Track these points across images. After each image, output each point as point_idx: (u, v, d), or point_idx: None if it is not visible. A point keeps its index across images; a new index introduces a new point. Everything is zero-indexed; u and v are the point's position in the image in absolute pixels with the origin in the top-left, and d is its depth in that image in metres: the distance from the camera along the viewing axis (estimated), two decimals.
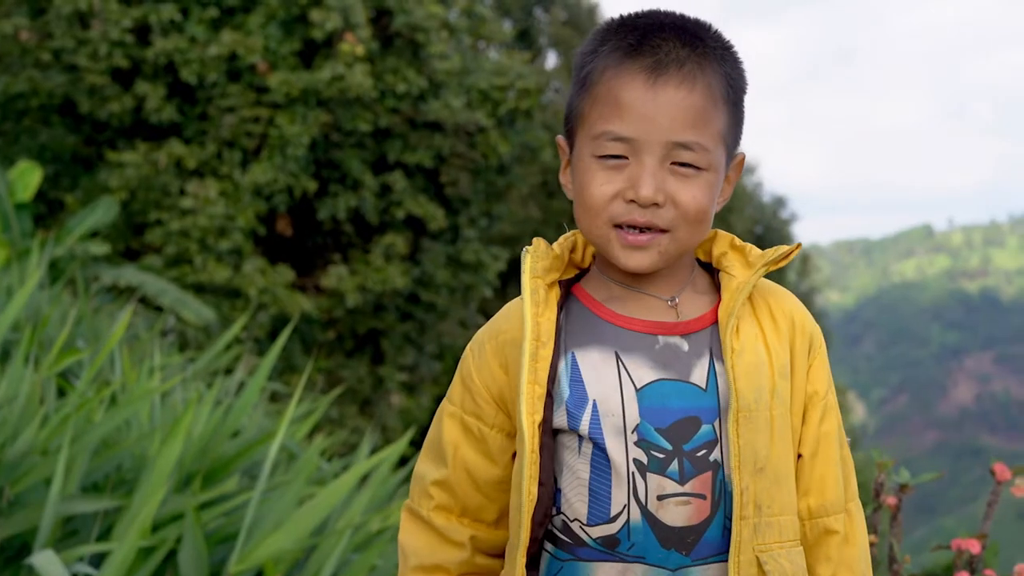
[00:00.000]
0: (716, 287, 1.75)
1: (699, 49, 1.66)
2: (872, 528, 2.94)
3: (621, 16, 1.72)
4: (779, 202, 32.86)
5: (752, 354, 1.67)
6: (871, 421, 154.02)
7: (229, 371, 8.16)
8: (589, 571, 1.67)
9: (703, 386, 1.67)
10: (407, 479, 4.52)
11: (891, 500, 2.95)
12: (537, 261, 1.70)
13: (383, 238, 15.82)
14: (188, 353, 8.10)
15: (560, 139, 1.76)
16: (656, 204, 1.63)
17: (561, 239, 1.76)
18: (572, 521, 1.68)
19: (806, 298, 34.78)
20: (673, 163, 1.64)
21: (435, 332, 17.39)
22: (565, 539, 1.69)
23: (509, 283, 18.91)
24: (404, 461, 6.34)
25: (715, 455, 1.65)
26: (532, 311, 1.66)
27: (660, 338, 1.69)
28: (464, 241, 16.80)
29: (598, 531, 1.66)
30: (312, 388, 13.31)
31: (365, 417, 15.94)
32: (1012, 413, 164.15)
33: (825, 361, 1.80)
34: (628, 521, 1.64)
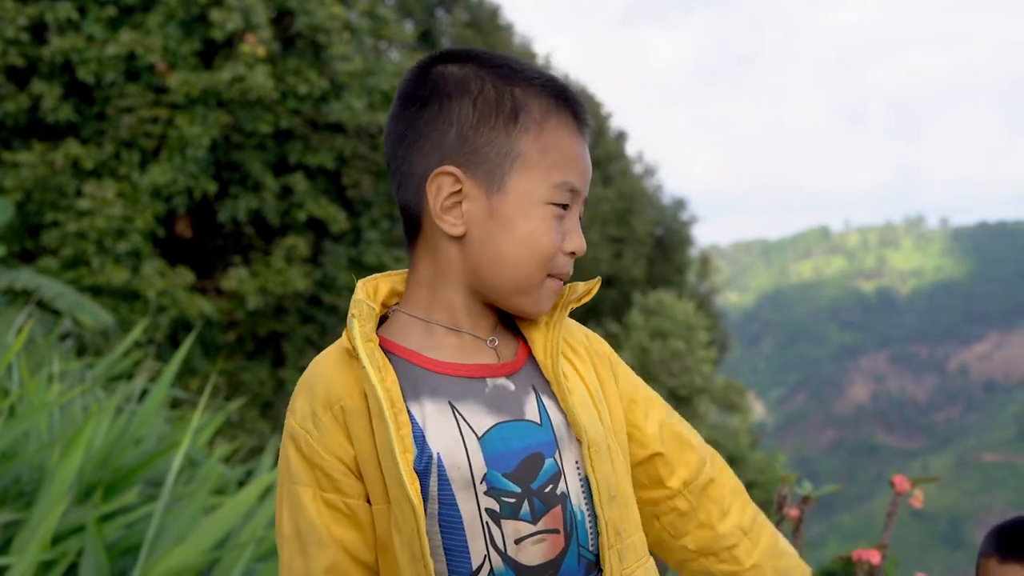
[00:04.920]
0: (513, 323, 1.77)
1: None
2: None
3: (504, 55, 1.72)
4: (679, 204, 33.14)
5: (578, 389, 1.71)
6: (770, 419, 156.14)
7: (129, 376, 8.06)
8: None
9: (538, 421, 1.65)
10: None
11: (794, 512, 2.98)
12: (364, 324, 1.62)
13: (284, 240, 15.72)
14: (87, 359, 7.98)
15: (455, 170, 1.64)
16: None
17: (362, 295, 1.68)
18: None
19: (706, 299, 35.15)
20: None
21: (336, 334, 17.30)
22: None
23: None
24: None
25: (561, 488, 1.65)
26: (378, 378, 1.57)
27: (488, 380, 1.66)
28: (366, 243, 16.75)
29: None
30: (213, 392, 13.18)
31: (266, 420, 15.83)
32: (906, 411, 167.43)
33: (625, 367, 1.87)
34: (492, 571, 1.61)
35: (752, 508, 1.94)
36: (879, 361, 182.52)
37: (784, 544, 1.97)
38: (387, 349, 1.65)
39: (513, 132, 1.64)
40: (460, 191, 1.64)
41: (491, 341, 1.70)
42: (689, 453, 1.86)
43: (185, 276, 14.56)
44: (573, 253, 1.68)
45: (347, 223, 16.12)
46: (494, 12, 27.49)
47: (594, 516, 1.67)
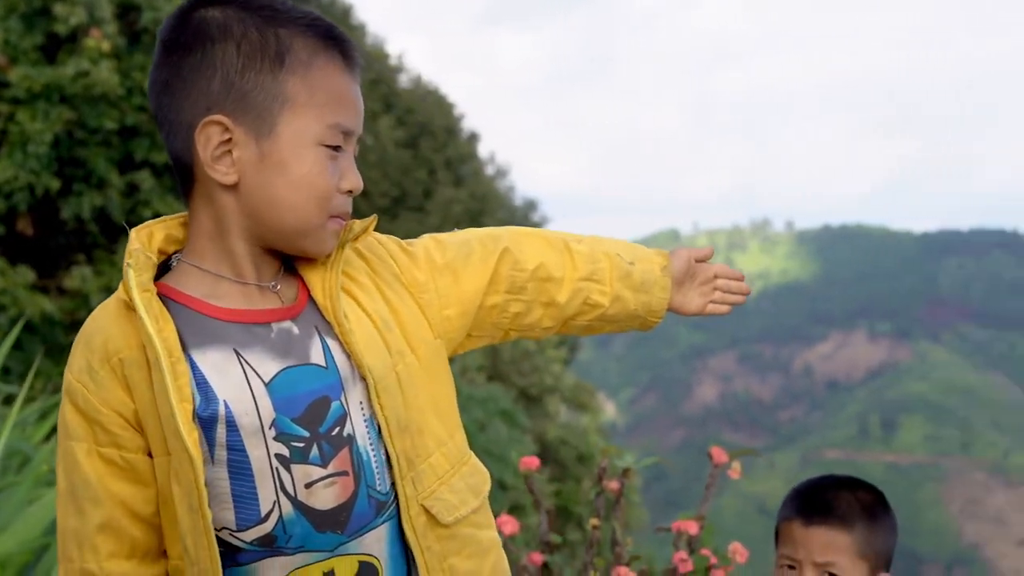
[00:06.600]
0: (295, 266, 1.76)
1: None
2: (595, 512, 3.06)
3: None
4: (530, 205, 33.25)
5: (360, 326, 1.69)
6: (620, 419, 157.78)
7: None
8: (254, 573, 1.64)
9: (323, 364, 1.65)
10: None
11: (613, 485, 3.06)
12: (141, 274, 1.59)
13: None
14: None
15: (223, 118, 1.61)
16: None
17: (137, 244, 1.65)
18: (220, 530, 1.61)
19: None
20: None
21: None
22: (220, 549, 1.60)
23: None
24: None
25: (347, 430, 1.65)
26: (155, 327, 1.55)
27: (273, 325, 1.65)
28: None
29: (252, 533, 1.62)
30: (55, 391, 12.93)
31: None
32: (752, 411, 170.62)
33: (423, 245, 1.90)
34: (281, 516, 1.61)
35: (561, 248, 2.01)
36: (727, 361, 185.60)
37: (611, 250, 2.06)
38: (171, 298, 1.63)
39: (280, 74, 1.62)
40: (230, 139, 1.62)
41: (273, 286, 1.69)
42: (531, 257, 1.95)
43: (26, 275, 14.23)
44: (350, 192, 1.69)
45: None
46: (346, 12, 27.30)
47: (380, 455, 1.68)
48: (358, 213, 1.77)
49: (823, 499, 2.36)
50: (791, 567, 2.36)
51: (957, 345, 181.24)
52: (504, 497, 17.09)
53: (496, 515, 2.37)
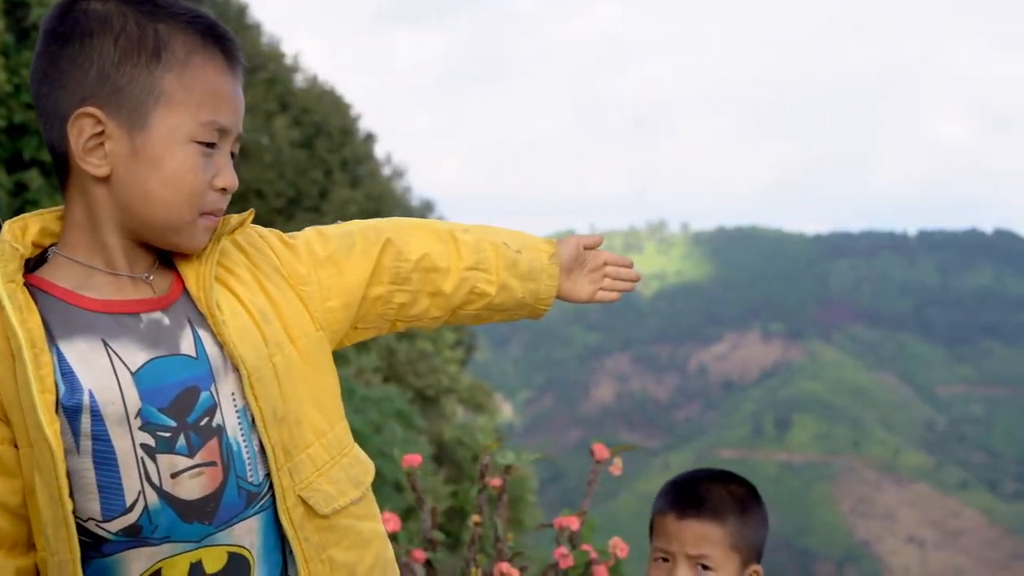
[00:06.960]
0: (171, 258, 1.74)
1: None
2: (477, 508, 3.07)
3: None
4: (427, 206, 33.18)
5: (235, 317, 1.69)
6: (518, 420, 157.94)
7: None
8: (119, 564, 1.63)
9: (194, 355, 1.65)
10: None
11: (495, 481, 3.07)
12: (7, 265, 1.58)
13: None
14: None
15: (95, 110, 1.61)
16: None
17: (8, 235, 1.63)
18: (86, 521, 1.60)
19: None
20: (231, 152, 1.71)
21: None
22: (85, 540, 1.61)
23: None
24: None
25: (217, 420, 1.64)
26: (19, 318, 1.55)
27: (143, 316, 1.64)
28: None
29: (117, 524, 1.60)
30: None
31: None
32: (648, 410, 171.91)
33: (304, 238, 1.90)
34: (146, 506, 1.60)
35: (446, 237, 2.03)
36: (622, 362, 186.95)
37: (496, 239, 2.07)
38: (41, 289, 1.63)
39: (156, 70, 1.62)
40: (102, 132, 1.62)
41: (146, 276, 1.69)
42: (416, 247, 1.97)
43: None
44: (224, 190, 1.68)
45: None
46: (241, 11, 27.04)
47: (252, 446, 1.68)
48: (256, 217, 1.77)
49: (696, 492, 2.40)
50: (665, 560, 2.40)
51: (848, 345, 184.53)
52: (400, 498, 17.08)
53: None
